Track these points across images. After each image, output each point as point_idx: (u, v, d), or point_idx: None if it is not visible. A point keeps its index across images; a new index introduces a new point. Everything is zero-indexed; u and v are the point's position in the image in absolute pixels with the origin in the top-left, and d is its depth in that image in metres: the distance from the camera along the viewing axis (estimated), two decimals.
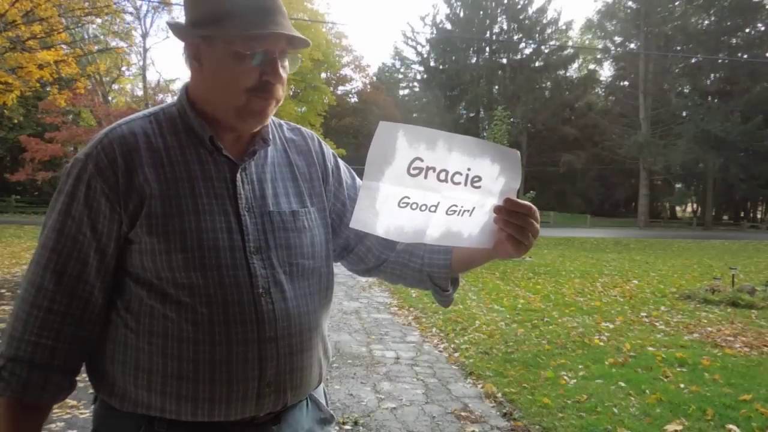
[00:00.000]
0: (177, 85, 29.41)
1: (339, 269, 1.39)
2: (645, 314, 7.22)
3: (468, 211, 1.02)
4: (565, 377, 4.51)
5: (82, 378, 1.10)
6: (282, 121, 1.24)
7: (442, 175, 0.96)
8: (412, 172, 0.94)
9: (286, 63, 1.06)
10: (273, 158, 1.14)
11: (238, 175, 1.07)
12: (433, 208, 0.99)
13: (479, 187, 0.99)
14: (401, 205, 0.97)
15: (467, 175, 0.98)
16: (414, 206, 0.98)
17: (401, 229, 0.99)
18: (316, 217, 1.15)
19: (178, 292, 0.99)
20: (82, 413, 3.55)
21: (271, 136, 1.14)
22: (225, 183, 1.06)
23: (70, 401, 3.60)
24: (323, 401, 1.23)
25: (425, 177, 0.95)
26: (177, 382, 1.00)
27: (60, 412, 3.56)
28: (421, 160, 0.94)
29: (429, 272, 1.21)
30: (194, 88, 1.09)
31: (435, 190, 0.97)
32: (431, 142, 0.93)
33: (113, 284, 1.04)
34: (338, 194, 1.24)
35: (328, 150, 1.26)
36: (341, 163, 1.29)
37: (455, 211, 1.01)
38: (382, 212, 0.96)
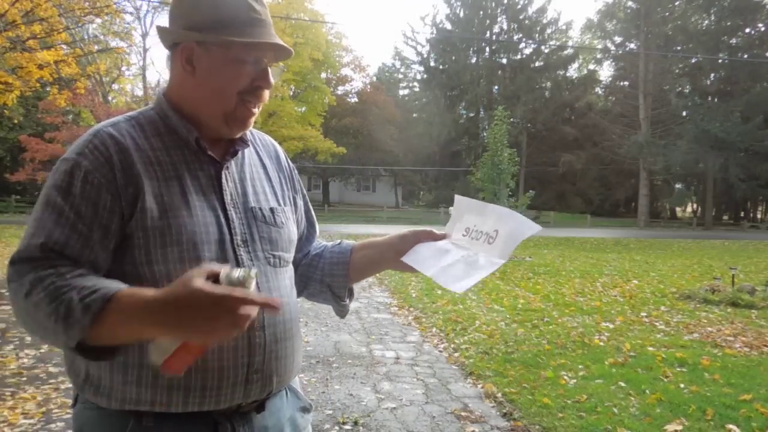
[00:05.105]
0: None
1: None
2: (645, 314, 7.22)
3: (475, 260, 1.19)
4: (565, 377, 4.52)
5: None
6: None
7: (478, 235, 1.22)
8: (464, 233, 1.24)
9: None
10: (249, 159, 1.21)
11: (222, 173, 1.12)
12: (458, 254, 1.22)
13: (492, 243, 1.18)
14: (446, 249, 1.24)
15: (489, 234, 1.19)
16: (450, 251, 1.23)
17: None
18: (288, 215, 1.22)
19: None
20: None
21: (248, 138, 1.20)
22: (211, 180, 1.11)
23: (69, 401, 3.60)
24: (300, 391, 1.29)
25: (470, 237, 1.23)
26: None
27: (60, 412, 3.57)
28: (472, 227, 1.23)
29: (329, 282, 1.31)
30: (179, 92, 1.12)
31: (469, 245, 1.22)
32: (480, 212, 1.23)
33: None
34: (296, 202, 1.32)
35: (289, 159, 1.35)
36: (296, 173, 1.37)
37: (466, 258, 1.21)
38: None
